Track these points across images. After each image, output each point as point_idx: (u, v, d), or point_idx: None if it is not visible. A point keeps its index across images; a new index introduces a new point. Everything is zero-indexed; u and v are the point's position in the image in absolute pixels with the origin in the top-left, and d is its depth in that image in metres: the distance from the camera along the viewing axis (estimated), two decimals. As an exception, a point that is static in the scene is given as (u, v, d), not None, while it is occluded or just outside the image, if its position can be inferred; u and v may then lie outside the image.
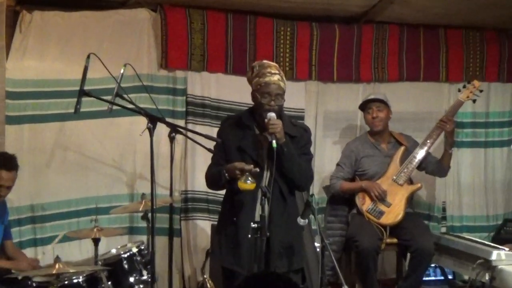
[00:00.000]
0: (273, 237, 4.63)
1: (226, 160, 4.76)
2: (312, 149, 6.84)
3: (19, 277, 5.06)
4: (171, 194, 5.83)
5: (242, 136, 4.77)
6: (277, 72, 4.73)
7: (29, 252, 6.02)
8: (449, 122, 6.34)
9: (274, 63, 4.87)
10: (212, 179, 4.86)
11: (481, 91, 6.55)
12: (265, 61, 4.88)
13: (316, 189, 6.95)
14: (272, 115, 4.62)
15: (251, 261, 4.59)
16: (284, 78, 4.79)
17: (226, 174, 4.64)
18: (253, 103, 4.85)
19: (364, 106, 6.55)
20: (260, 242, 4.48)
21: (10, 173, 5.41)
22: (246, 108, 6.47)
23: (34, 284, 5.07)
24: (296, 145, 4.79)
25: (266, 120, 4.61)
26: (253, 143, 4.75)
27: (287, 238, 4.75)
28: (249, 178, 4.49)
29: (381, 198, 6.19)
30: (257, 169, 4.56)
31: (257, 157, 4.71)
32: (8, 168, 5.40)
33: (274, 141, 4.54)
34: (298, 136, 4.85)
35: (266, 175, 4.71)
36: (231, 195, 4.80)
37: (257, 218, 4.62)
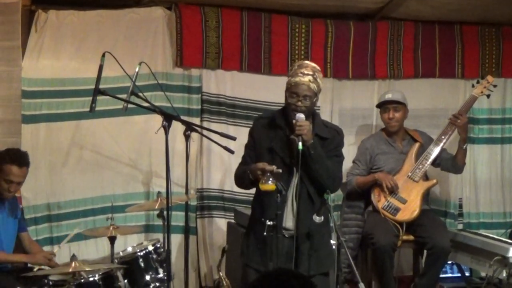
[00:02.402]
0: (301, 239, 4.61)
1: (256, 161, 4.71)
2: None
3: (35, 269, 5.09)
4: (186, 192, 5.83)
5: (274, 137, 4.69)
6: (310, 73, 4.59)
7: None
8: (461, 117, 6.30)
9: (313, 64, 4.71)
10: (238, 179, 4.82)
11: (495, 86, 6.51)
12: (305, 61, 4.82)
13: (332, 187, 6.93)
14: (301, 116, 4.54)
15: (274, 260, 4.56)
16: (319, 80, 4.64)
17: (250, 175, 4.61)
18: (283, 102, 4.77)
19: (381, 104, 6.53)
20: (277, 241, 4.47)
21: (21, 169, 5.43)
22: (261, 105, 6.53)
23: (50, 283, 5.09)
24: (327, 147, 4.71)
25: (294, 121, 4.56)
26: (284, 144, 4.68)
27: (316, 240, 4.70)
28: (270, 179, 4.42)
29: (392, 190, 6.17)
30: (280, 170, 4.48)
31: (287, 158, 4.63)
32: (20, 164, 5.42)
33: (300, 143, 4.49)
34: (330, 137, 4.76)
35: (296, 176, 4.66)
36: (260, 196, 4.71)
37: (287, 218, 4.61)
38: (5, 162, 5.38)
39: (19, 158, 5.45)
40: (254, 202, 4.88)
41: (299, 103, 4.58)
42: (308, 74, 4.59)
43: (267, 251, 4.60)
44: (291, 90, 4.62)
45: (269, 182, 4.42)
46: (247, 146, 4.84)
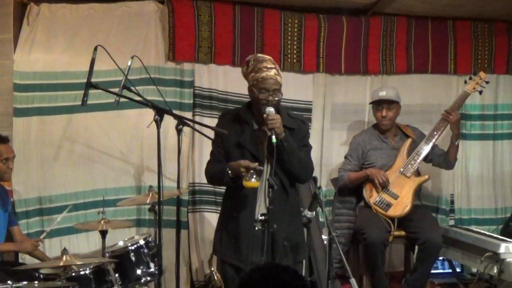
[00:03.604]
0: (277, 230, 4.62)
1: (226, 156, 4.76)
2: (319, 141, 6.90)
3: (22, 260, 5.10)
4: (178, 187, 5.82)
5: (241, 131, 4.76)
6: (273, 66, 4.70)
7: (36, 244, 6.03)
8: (453, 114, 6.31)
9: (269, 57, 4.82)
10: (214, 177, 4.88)
11: (487, 82, 6.53)
12: (259, 55, 4.86)
13: (323, 182, 6.94)
14: (271, 110, 4.60)
15: (251, 255, 4.61)
16: (280, 72, 4.75)
17: (230, 172, 4.64)
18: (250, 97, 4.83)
19: (374, 101, 6.52)
20: (266, 235, 4.48)
21: (7, 145, 5.57)
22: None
23: (41, 276, 5.08)
24: (295, 138, 4.77)
25: (264, 116, 4.59)
26: (252, 138, 4.74)
27: (290, 230, 4.75)
28: (254, 176, 4.50)
29: (384, 185, 6.18)
30: (262, 167, 4.57)
31: (256, 152, 4.71)
32: (3, 141, 5.56)
33: (273, 137, 4.52)
34: (297, 128, 4.83)
35: (267, 169, 4.68)
36: (233, 192, 4.79)
37: (260, 210, 4.64)
38: None
39: (0, 136, 5.59)
40: (226, 198, 4.94)
41: (270, 98, 4.64)
42: (272, 68, 4.69)
43: (242, 246, 4.67)
44: (260, 86, 4.67)
45: (253, 179, 4.51)
46: (214, 143, 4.89)
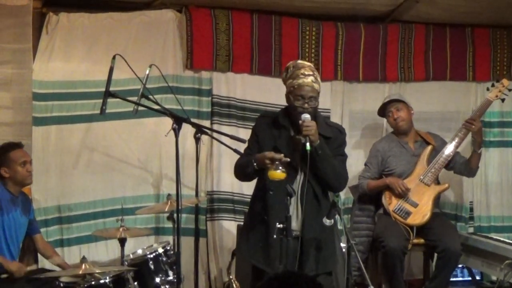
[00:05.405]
0: (306, 239, 4.60)
1: None
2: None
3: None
4: (196, 195, 5.84)
5: (278, 136, 4.71)
6: (311, 73, 4.63)
7: (56, 252, 6.06)
8: (475, 122, 6.27)
9: (309, 64, 4.76)
10: (240, 168, 4.79)
11: (510, 90, 6.48)
12: (299, 62, 4.79)
13: (342, 190, 6.92)
14: (306, 116, 4.55)
15: (283, 262, 4.52)
16: (319, 79, 4.69)
17: (255, 164, 4.58)
18: (287, 104, 4.78)
19: (384, 111, 6.52)
20: (286, 243, 4.46)
21: (23, 149, 5.63)
22: (272, 108, 6.53)
23: (61, 284, 5.09)
24: (330, 146, 4.71)
25: (300, 122, 4.55)
26: (288, 144, 4.69)
27: (320, 240, 4.70)
28: (280, 167, 4.42)
29: (404, 195, 6.15)
30: (288, 159, 4.48)
31: (291, 158, 4.61)
32: (18, 145, 5.61)
33: (308, 144, 4.48)
34: (333, 137, 4.77)
35: (300, 176, 4.66)
36: (261, 193, 4.73)
37: (292, 218, 4.55)
38: (8, 152, 5.53)
39: (14, 143, 5.64)
40: (254, 200, 4.87)
41: (306, 105, 4.59)
42: (309, 75, 4.62)
43: (272, 253, 4.59)
44: (296, 93, 4.63)
45: (278, 170, 4.42)
46: (250, 141, 4.85)
